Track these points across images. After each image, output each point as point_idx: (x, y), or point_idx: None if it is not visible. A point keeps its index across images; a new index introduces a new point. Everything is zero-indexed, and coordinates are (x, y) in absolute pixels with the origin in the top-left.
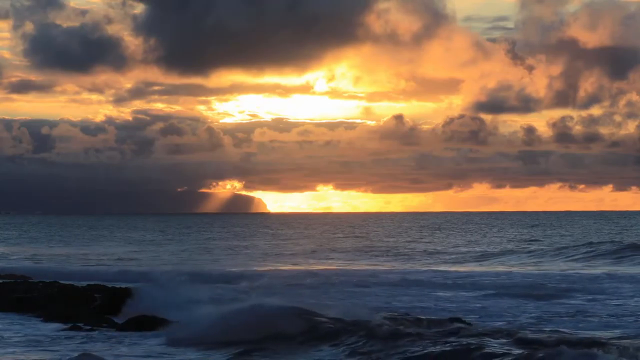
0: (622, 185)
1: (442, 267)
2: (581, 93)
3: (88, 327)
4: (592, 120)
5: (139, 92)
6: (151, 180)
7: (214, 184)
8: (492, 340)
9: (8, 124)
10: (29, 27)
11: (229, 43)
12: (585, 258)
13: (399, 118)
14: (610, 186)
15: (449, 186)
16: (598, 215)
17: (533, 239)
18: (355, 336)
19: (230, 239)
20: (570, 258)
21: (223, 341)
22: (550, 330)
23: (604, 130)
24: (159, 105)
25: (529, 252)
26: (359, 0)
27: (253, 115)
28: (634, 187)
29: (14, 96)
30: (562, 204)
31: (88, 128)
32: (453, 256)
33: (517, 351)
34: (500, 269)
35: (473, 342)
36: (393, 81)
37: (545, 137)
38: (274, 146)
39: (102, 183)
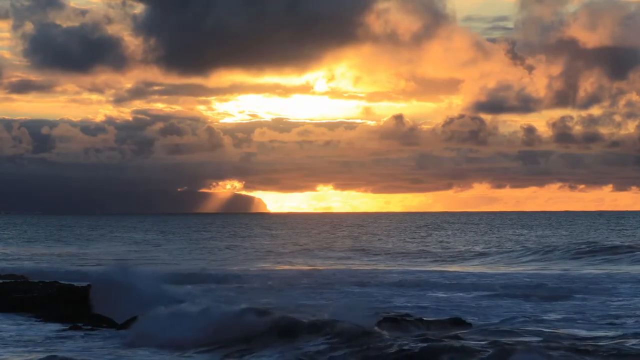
0: (622, 185)
1: (439, 268)
2: (581, 93)
3: (88, 327)
4: (592, 120)
5: (139, 92)
6: (151, 180)
7: (214, 184)
8: (494, 340)
9: (8, 124)
10: (28, 27)
11: (229, 43)
12: (575, 258)
13: (399, 118)
14: (610, 186)
15: (449, 186)
16: (598, 215)
17: (522, 238)
18: (322, 336)
19: (226, 239)
20: (564, 257)
21: (180, 344)
22: (550, 331)
23: (603, 130)
24: (159, 105)
25: (526, 252)
26: (359, 0)
27: (253, 115)
28: (634, 187)
29: (14, 96)
30: (562, 204)
31: (88, 128)
32: (451, 256)
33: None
34: (497, 269)
35: (474, 342)
36: (393, 81)
37: (545, 137)
38: (274, 146)
39: (102, 183)
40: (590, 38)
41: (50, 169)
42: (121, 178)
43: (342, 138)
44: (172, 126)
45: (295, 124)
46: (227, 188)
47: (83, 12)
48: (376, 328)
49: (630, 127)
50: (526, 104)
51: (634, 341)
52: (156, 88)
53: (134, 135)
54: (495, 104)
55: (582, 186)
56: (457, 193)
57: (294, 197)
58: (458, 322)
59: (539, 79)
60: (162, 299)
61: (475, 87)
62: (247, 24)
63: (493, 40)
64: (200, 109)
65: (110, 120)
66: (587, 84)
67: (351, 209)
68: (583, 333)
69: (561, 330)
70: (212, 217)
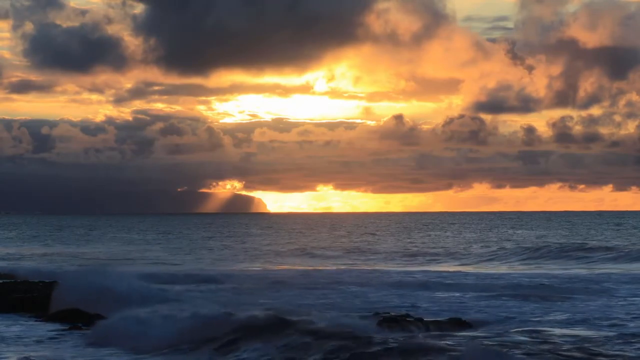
0: (622, 185)
1: (438, 268)
2: (581, 93)
3: (87, 327)
4: (592, 120)
5: (139, 92)
6: (151, 180)
7: (214, 184)
8: (493, 340)
9: (8, 124)
10: (28, 27)
11: (229, 43)
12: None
13: (399, 118)
14: (610, 186)
15: (449, 186)
16: (597, 215)
17: (516, 238)
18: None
19: (224, 239)
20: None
21: (143, 346)
22: (547, 331)
23: (603, 130)
24: (159, 105)
25: (524, 252)
26: (359, 0)
27: (253, 115)
28: (634, 187)
29: (14, 96)
30: (562, 204)
31: (88, 128)
32: (450, 256)
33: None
34: (496, 270)
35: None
36: (393, 81)
37: (545, 137)
38: (274, 146)
39: (102, 183)
40: (590, 38)
41: (50, 169)
42: (121, 178)
43: (342, 138)
44: (172, 126)
45: (295, 124)
46: (227, 188)
47: (83, 12)
48: (375, 328)
49: (630, 127)
50: (526, 104)
51: (638, 345)
52: (156, 88)
53: (134, 135)
54: (495, 104)
55: (582, 186)
56: (457, 193)
57: (294, 197)
58: (457, 322)
59: (539, 79)
60: (134, 299)
61: (475, 87)
62: (247, 24)
63: (493, 40)
64: (200, 109)
65: (110, 120)
66: (587, 84)
67: (351, 209)
68: (583, 333)
69: (560, 331)
70: (211, 217)
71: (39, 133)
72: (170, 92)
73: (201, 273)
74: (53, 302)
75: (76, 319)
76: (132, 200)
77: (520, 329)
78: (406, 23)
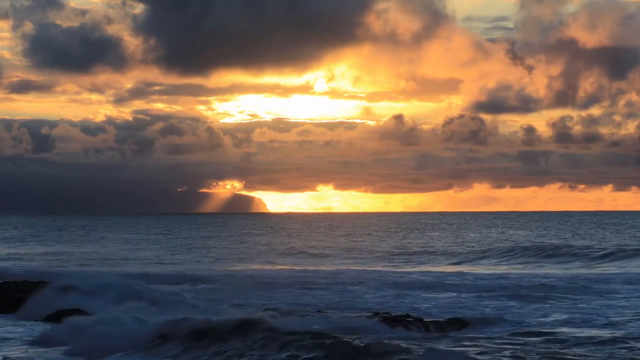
0: (622, 185)
1: (436, 268)
2: (581, 93)
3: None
4: (592, 120)
5: (139, 92)
6: (151, 180)
7: (214, 184)
8: (494, 341)
9: (8, 124)
10: (28, 27)
11: (229, 43)
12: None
13: (399, 118)
14: (610, 186)
15: (449, 186)
16: (596, 215)
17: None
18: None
19: (221, 239)
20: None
21: (89, 349)
22: (546, 332)
23: (603, 130)
24: (159, 105)
25: (523, 252)
26: (359, 0)
27: (253, 115)
28: (634, 187)
29: (14, 96)
30: (562, 204)
31: (88, 128)
32: (448, 256)
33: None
34: (496, 270)
35: (474, 342)
36: (393, 81)
37: (545, 137)
38: (274, 146)
39: (102, 183)
40: (590, 38)
41: (50, 169)
42: (121, 178)
43: (342, 138)
44: (172, 126)
45: (295, 124)
46: (227, 188)
47: (83, 12)
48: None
49: (630, 127)
50: (526, 104)
51: None
52: (156, 88)
53: (134, 135)
54: (495, 104)
55: (582, 186)
56: (457, 193)
57: (294, 197)
58: (457, 322)
59: (539, 79)
60: (111, 299)
61: (475, 87)
62: (247, 24)
63: (493, 40)
64: (200, 109)
65: (110, 120)
66: (587, 84)
67: (351, 209)
68: (582, 334)
69: (558, 330)
70: (211, 217)
71: (39, 133)
72: (170, 92)
73: (187, 273)
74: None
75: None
76: (132, 200)
77: (520, 329)
78: (406, 23)
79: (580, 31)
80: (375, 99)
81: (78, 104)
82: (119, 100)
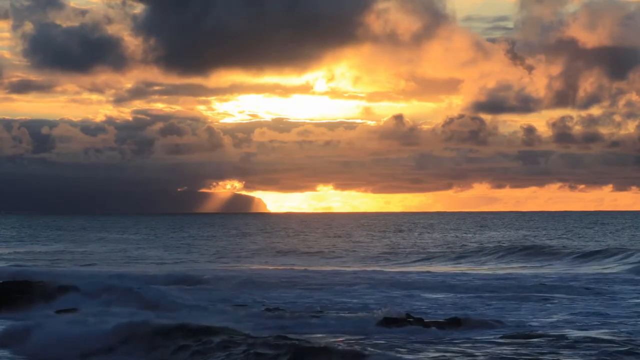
0: (622, 185)
1: (434, 268)
2: (581, 93)
3: None
4: (592, 120)
5: (139, 92)
6: (151, 180)
7: (214, 184)
8: (494, 340)
9: (8, 124)
10: (28, 27)
11: (229, 43)
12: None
13: (398, 118)
14: (610, 186)
15: (449, 186)
16: (596, 215)
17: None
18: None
19: (216, 240)
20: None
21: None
22: (544, 332)
23: (603, 130)
24: (159, 105)
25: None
26: (359, 0)
27: (253, 115)
28: (634, 187)
29: (14, 96)
30: (562, 204)
31: (88, 128)
32: (446, 256)
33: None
34: (495, 270)
35: (474, 342)
36: (393, 81)
37: (545, 137)
38: (274, 146)
39: (102, 183)
40: (590, 38)
41: (50, 169)
42: (121, 178)
43: (342, 138)
44: (172, 126)
45: (295, 124)
46: (227, 188)
47: (83, 12)
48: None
49: (630, 127)
50: (526, 104)
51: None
52: (156, 88)
53: (134, 135)
54: (495, 104)
55: (582, 186)
56: (457, 193)
57: (294, 197)
58: (457, 322)
59: (539, 79)
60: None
61: (475, 87)
62: (247, 24)
63: (493, 40)
64: (200, 109)
65: (110, 120)
66: (587, 84)
67: (351, 209)
68: (584, 334)
69: (559, 330)
70: (211, 217)
71: (39, 133)
72: (170, 92)
73: (186, 273)
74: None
75: None
76: (132, 200)
77: (518, 330)
78: (406, 23)
79: (580, 31)
80: (375, 99)
81: (78, 104)
82: (119, 100)
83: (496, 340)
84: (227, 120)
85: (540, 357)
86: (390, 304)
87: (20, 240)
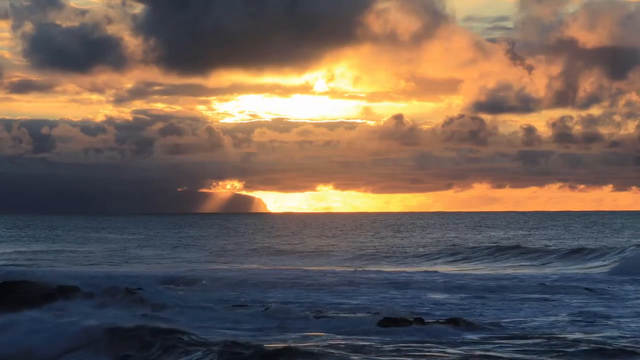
0: (622, 185)
1: (433, 268)
2: (581, 93)
3: None
4: (592, 120)
5: (139, 92)
6: (151, 180)
7: (214, 184)
8: (494, 340)
9: (8, 124)
10: (28, 27)
11: (228, 43)
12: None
13: (398, 118)
14: (610, 186)
15: (449, 186)
16: (595, 215)
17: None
18: None
19: (212, 239)
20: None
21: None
22: (543, 332)
23: (603, 130)
24: (159, 105)
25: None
26: (359, 0)
27: (253, 115)
28: (634, 187)
29: (14, 96)
30: (562, 204)
31: (88, 128)
32: (444, 256)
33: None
34: (495, 270)
35: (474, 342)
36: (393, 81)
37: (545, 137)
38: (274, 146)
39: (102, 183)
40: (589, 38)
41: (50, 169)
42: (121, 178)
43: (342, 138)
44: (172, 126)
45: (295, 124)
46: (227, 188)
47: (83, 12)
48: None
49: (630, 127)
50: (526, 104)
51: None
52: (156, 88)
53: (134, 135)
54: (495, 104)
55: (582, 186)
56: (457, 193)
57: (294, 197)
58: (457, 323)
59: (539, 79)
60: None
61: (475, 87)
62: (247, 24)
63: (493, 40)
64: (200, 109)
65: (110, 120)
66: (587, 84)
67: (351, 209)
68: (585, 334)
69: (559, 331)
70: (211, 217)
71: (39, 133)
72: (170, 92)
73: (185, 273)
74: None
75: None
76: (132, 200)
77: (518, 330)
78: (406, 23)
79: (580, 31)
80: (375, 99)
81: (78, 104)
82: (119, 100)
83: (496, 341)
84: (227, 120)
85: (540, 358)
86: (389, 304)
87: (20, 240)
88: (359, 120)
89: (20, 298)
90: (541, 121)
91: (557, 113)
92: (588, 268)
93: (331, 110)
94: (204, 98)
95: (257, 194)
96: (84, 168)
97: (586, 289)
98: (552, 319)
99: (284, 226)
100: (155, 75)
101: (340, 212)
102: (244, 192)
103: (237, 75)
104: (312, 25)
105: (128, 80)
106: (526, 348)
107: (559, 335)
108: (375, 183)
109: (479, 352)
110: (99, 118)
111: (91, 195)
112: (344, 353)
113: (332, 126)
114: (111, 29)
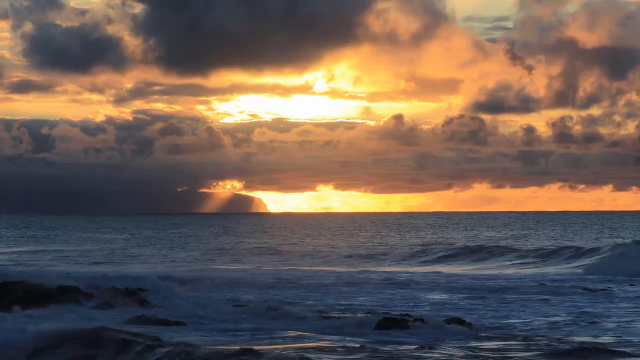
0: (622, 185)
1: (431, 268)
2: (580, 93)
3: None
4: (592, 120)
5: (139, 92)
6: (151, 180)
7: (214, 184)
8: (494, 340)
9: (8, 124)
10: (28, 27)
11: (228, 43)
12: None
13: (398, 118)
14: (610, 186)
15: (449, 186)
16: (595, 215)
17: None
18: None
19: (208, 240)
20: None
21: None
22: (541, 332)
23: (603, 130)
24: (159, 105)
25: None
26: (359, 0)
27: (253, 115)
28: (634, 187)
29: (14, 96)
30: (562, 204)
31: (88, 128)
32: (442, 256)
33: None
34: (493, 270)
35: (474, 342)
36: (393, 81)
37: (545, 137)
38: (274, 146)
39: (102, 183)
40: (589, 38)
41: (50, 169)
42: (121, 178)
43: (342, 138)
44: (172, 126)
45: (295, 124)
46: (227, 188)
47: (83, 12)
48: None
49: (630, 127)
50: (526, 104)
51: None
52: (156, 88)
53: (134, 135)
54: (495, 104)
55: (582, 186)
56: (457, 193)
57: (294, 197)
58: (458, 322)
59: (539, 79)
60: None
61: (475, 87)
62: (247, 24)
63: (493, 40)
64: (200, 109)
65: (110, 120)
66: (587, 84)
67: (351, 209)
68: (587, 336)
69: (559, 331)
70: (211, 217)
71: (39, 133)
72: (170, 92)
73: (184, 274)
74: None
75: None
76: (132, 200)
77: (518, 330)
78: (406, 23)
79: (579, 31)
80: (375, 99)
81: (78, 104)
82: (119, 100)
83: (496, 341)
84: (227, 120)
85: (541, 358)
86: (389, 304)
87: (20, 240)
88: (358, 120)
89: (20, 298)
90: (541, 121)
91: (557, 113)
92: (565, 268)
93: (331, 110)
94: (204, 98)
95: (257, 194)
96: (84, 168)
97: (586, 289)
98: (553, 319)
99: (284, 226)
100: (155, 75)
101: (340, 212)
102: (244, 192)
103: (237, 75)
104: (312, 25)
105: (128, 80)
106: (526, 348)
107: (559, 336)
108: (375, 183)
109: (479, 352)
110: (99, 118)
111: (91, 195)
112: (340, 355)
113: (332, 126)
114: (111, 29)
